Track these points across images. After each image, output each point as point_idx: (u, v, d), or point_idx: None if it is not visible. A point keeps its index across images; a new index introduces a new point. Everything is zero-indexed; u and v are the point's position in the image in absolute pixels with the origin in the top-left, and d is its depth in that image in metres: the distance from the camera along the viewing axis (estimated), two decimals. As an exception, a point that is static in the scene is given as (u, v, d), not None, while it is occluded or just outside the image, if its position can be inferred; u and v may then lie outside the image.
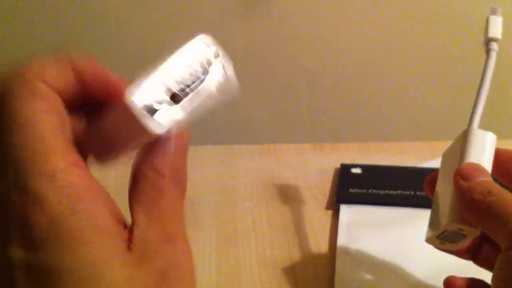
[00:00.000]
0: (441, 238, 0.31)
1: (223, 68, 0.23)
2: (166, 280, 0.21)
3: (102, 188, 0.21)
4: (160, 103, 0.21)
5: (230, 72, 0.24)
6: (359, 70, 0.79)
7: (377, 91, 0.81)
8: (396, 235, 0.44)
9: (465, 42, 0.76)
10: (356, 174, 0.53)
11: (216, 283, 0.42)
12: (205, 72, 0.23)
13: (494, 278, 0.27)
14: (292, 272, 0.43)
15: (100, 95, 0.23)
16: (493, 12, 0.36)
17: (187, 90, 0.22)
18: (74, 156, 0.21)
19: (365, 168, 0.54)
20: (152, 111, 0.21)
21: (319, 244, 0.45)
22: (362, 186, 0.51)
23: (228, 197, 0.52)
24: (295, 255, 0.45)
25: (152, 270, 0.21)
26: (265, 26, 0.75)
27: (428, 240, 0.33)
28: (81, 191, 0.20)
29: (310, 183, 0.54)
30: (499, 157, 0.31)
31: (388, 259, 0.42)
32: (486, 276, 0.32)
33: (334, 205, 0.50)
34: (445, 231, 0.30)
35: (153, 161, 0.23)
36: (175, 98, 0.22)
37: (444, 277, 0.32)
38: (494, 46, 0.35)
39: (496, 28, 0.35)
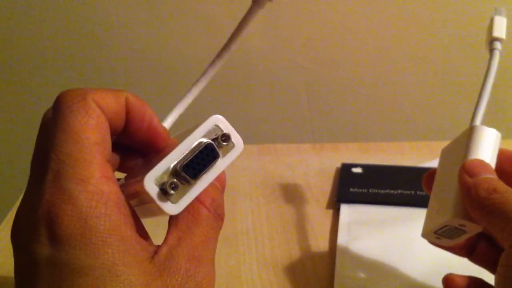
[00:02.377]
0: (438, 233, 0.31)
1: (234, 147, 0.26)
2: None
3: (128, 203, 0.23)
4: (175, 185, 0.24)
5: (240, 147, 0.26)
6: (359, 70, 0.79)
7: (377, 91, 0.81)
8: (396, 234, 0.44)
9: (465, 43, 0.76)
10: (356, 174, 0.53)
11: (216, 283, 0.42)
12: (216, 155, 0.25)
13: (497, 275, 0.27)
14: (292, 272, 0.43)
15: (142, 135, 0.26)
16: (498, 12, 0.36)
17: (201, 170, 0.24)
18: (108, 171, 0.23)
19: (366, 167, 0.54)
20: (167, 193, 0.24)
21: (319, 244, 0.45)
22: (362, 185, 0.51)
23: (228, 197, 0.52)
24: (295, 255, 0.44)
25: (170, 284, 0.22)
26: (265, 26, 0.75)
27: (425, 235, 0.33)
28: (109, 200, 0.22)
29: (310, 183, 0.54)
30: (498, 157, 0.31)
31: (388, 258, 0.42)
32: (485, 275, 0.32)
33: (334, 205, 0.50)
34: (446, 225, 0.30)
35: None
36: (189, 180, 0.24)
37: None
38: (498, 45, 0.35)
39: (501, 28, 0.36)
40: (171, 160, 0.24)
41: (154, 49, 0.77)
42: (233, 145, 0.26)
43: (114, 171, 0.27)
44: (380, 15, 0.75)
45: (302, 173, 0.55)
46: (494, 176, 0.29)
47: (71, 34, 0.76)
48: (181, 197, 0.24)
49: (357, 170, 0.54)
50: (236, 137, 0.26)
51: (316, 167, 0.56)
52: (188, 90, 0.32)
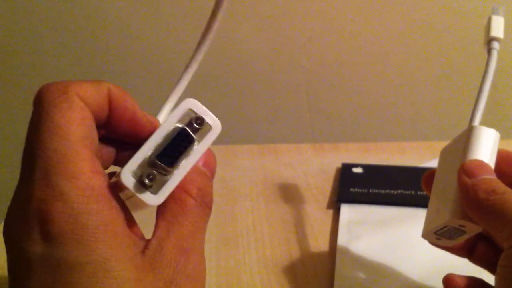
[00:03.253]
0: (438, 234, 0.31)
1: (211, 129, 0.25)
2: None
3: (118, 197, 0.23)
4: (152, 175, 0.23)
5: (217, 128, 0.25)
6: (359, 70, 0.79)
7: (377, 91, 0.81)
8: (397, 234, 0.44)
9: (465, 43, 0.76)
10: (357, 174, 0.53)
11: (216, 283, 0.42)
12: (191, 140, 0.24)
13: (497, 276, 0.27)
14: (292, 272, 0.43)
15: (125, 125, 0.26)
16: (496, 12, 0.36)
17: (177, 157, 0.24)
18: (97, 165, 0.23)
19: (366, 167, 0.54)
20: (145, 185, 0.23)
21: (319, 244, 0.45)
22: (363, 185, 0.51)
23: (228, 197, 0.52)
24: (295, 255, 0.44)
25: (162, 277, 0.22)
26: (265, 25, 0.75)
27: (425, 235, 0.33)
28: (99, 195, 0.22)
29: (310, 183, 0.54)
30: (496, 157, 0.31)
31: (389, 258, 0.42)
32: (485, 275, 0.32)
33: (334, 205, 0.50)
34: (445, 226, 0.30)
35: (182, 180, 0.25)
36: (166, 168, 0.24)
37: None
38: (496, 45, 0.35)
39: (498, 27, 0.35)
40: (147, 150, 0.24)
41: (153, 47, 0.77)
42: (210, 127, 0.25)
43: (110, 164, 0.27)
44: (380, 15, 0.75)
45: (302, 173, 0.55)
46: (493, 176, 0.29)
47: (70, 33, 0.76)
48: (161, 186, 0.24)
49: (358, 170, 0.54)
50: (212, 119, 0.25)
51: (316, 167, 0.56)
52: (178, 80, 0.31)
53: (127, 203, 0.24)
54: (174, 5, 0.74)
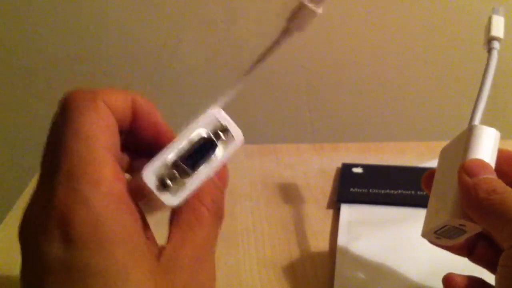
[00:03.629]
0: (438, 233, 0.31)
1: (233, 140, 0.26)
2: None
3: (136, 204, 0.24)
4: (173, 177, 0.24)
5: (239, 140, 0.26)
6: (359, 70, 0.79)
7: (377, 91, 0.81)
8: (397, 234, 0.44)
9: (465, 43, 0.76)
10: (357, 174, 0.53)
11: (216, 283, 0.42)
12: (215, 147, 0.25)
13: (497, 276, 0.27)
14: (292, 272, 0.43)
15: (147, 133, 0.27)
16: (496, 12, 0.36)
17: (199, 162, 0.25)
18: (119, 171, 0.23)
19: (366, 167, 0.54)
20: (166, 185, 0.24)
21: (319, 244, 0.45)
22: (363, 185, 0.51)
23: (228, 197, 0.52)
24: (295, 255, 0.44)
25: (176, 283, 0.23)
26: (264, 25, 0.75)
27: (424, 234, 0.33)
28: (120, 201, 0.22)
29: (310, 183, 0.54)
30: (497, 157, 0.31)
31: (388, 258, 0.42)
32: (485, 275, 0.32)
33: (334, 205, 0.50)
34: (445, 225, 0.30)
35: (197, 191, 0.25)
36: (188, 172, 0.24)
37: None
38: (496, 45, 0.35)
39: (499, 27, 0.35)
40: (170, 152, 0.24)
41: (154, 47, 0.77)
42: (233, 138, 0.26)
43: (123, 172, 0.28)
44: (380, 15, 0.75)
45: (302, 173, 0.55)
46: (493, 176, 0.29)
47: (70, 34, 0.76)
48: (180, 189, 0.24)
49: (358, 170, 0.54)
50: (235, 130, 0.26)
51: (316, 167, 0.56)
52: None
53: (142, 206, 0.25)
54: (175, 5, 0.74)
